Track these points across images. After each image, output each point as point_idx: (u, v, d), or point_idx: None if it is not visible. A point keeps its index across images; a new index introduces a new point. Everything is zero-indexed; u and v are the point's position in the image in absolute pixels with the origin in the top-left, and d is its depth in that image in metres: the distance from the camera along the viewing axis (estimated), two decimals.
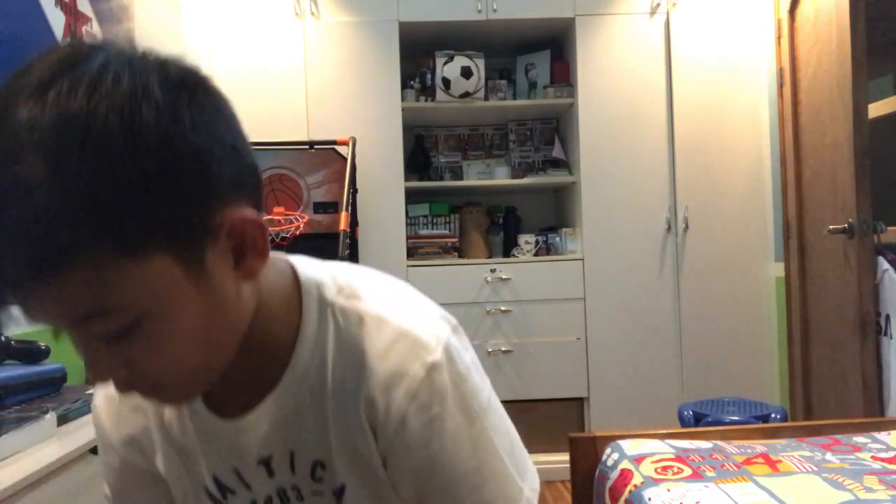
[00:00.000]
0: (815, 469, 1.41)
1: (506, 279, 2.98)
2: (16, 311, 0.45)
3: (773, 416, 2.34)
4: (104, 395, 0.67)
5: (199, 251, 0.48)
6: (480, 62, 3.07)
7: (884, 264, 2.14)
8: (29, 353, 1.38)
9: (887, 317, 2.13)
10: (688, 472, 1.44)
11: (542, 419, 3.02)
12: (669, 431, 1.72)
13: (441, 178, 3.36)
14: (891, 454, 1.52)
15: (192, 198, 0.46)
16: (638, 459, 1.52)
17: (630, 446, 1.60)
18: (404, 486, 0.60)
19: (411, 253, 3.03)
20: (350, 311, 0.60)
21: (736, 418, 2.32)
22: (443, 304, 0.66)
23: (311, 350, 0.59)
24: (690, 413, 2.41)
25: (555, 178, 3.20)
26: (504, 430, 0.63)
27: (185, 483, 0.67)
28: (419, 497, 0.60)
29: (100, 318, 0.45)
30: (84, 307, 0.44)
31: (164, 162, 0.43)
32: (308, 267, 0.63)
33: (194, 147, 0.45)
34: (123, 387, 0.50)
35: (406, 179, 3.03)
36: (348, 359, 0.59)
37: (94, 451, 1.21)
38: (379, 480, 0.61)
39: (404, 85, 3.05)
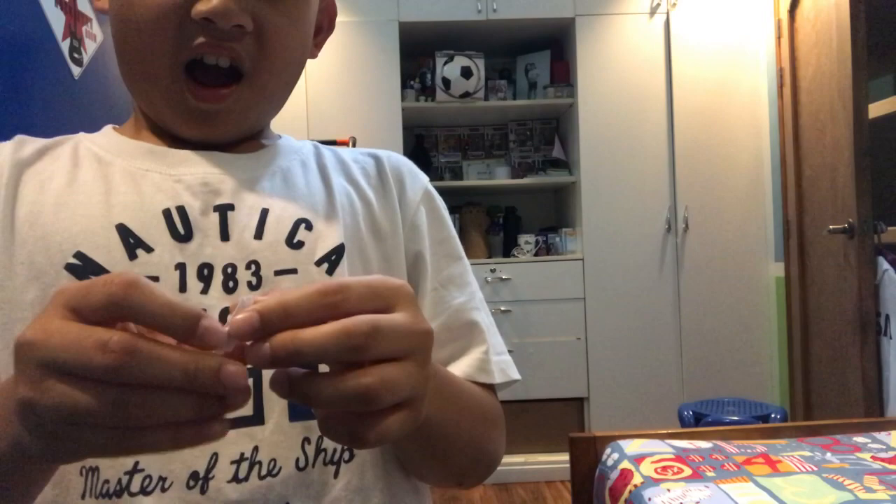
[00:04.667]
0: (815, 469, 1.41)
1: (506, 279, 2.98)
2: None
3: (773, 416, 2.34)
4: None
5: None
6: (480, 62, 3.07)
7: (884, 264, 2.14)
8: None
9: (887, 317, 2.13)
10: (688, 472, 1.44)
11: (542, 419, 3.02)
12: (669, 431, 1.72)
13: (441, 178, 3.36)
14: (891, 454, 1.52)
15: None
16: (638, 459, 1.52)
17: (630, 446, 1.60)
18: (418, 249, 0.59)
19: None
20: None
21: (736, 418, 2.32)
22: None
23: (299, 142, 0.62)
24: (690, 413, 2.41)
25: (555, 178, 3.20)
26: None
27: (33, 248, 0.48)
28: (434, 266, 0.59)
29: None
30: None
31: None
32: None
33: None
34: (232, 22, 0.47)
35: None
36: (346, 152, 0.62)
37: None
38: (381, 242, 0.57)
39: (404, 85, 3.05)
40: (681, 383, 3.01)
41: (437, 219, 0.61)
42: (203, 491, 0.43)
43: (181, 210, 0.49)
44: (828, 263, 2.44)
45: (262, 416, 0.44)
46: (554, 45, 3.29)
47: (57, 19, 1.78)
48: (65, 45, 1.83)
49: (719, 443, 1.63)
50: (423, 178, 0.63)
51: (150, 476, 0.43)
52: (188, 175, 0.51)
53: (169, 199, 0.50)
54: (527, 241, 3.15)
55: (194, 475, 0.43)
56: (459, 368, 0.57)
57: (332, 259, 0.51)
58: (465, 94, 3.06)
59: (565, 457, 1.74)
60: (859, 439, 1.65)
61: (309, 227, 0.52)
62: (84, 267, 0.46)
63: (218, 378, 0.30)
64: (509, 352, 0.60)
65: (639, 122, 3.05)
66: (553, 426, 3.00)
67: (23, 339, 0.30)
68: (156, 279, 0.46)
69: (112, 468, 0.43)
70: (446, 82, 3.03)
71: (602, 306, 3.02)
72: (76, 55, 1.89)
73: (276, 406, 0.45)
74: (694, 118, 3.03)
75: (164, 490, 0.43)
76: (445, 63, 3.04)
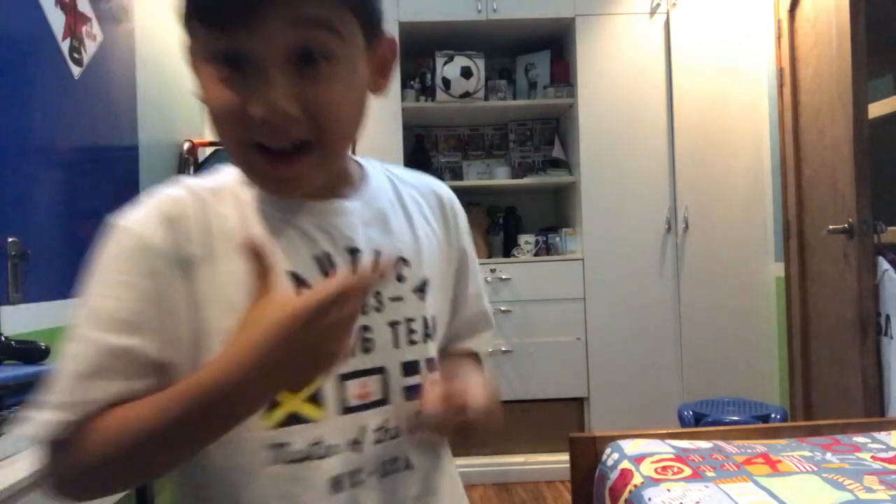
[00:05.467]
0: (815, 469, 1.41)
1: (506, 279, 2.98)
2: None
3: (773, 416, 2.34)
4: (156, 222, 0.60)
5: (374, 37, 0.62)
6: (480, 62, 3.07)
7: (884, 264, 2.14)
8: (29, 353, 1.38)
9: (887, 317, 2.13)
10: (688, 472, 1.44)
11: (542, 419, 3.02)
12: (669, 431, 1.72)
13: (441, 178, 3.34)
14: (891, 454, 1.52)
15: (378, 9, 0.63)
16: (638, 459, 1.52)
17: (630, 446, 1.60)
18: (455, 266, 0.77)
19: None
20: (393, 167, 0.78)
21: (736, 418, 2.32)
22: None
23: (379, 176, 0.73)
24: (690, 413, 2.41)
25: (555, 178, 3.20)
26: None
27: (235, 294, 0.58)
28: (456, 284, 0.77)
29: (323, 30, 0.56)
30: (322, 13, 0.55)
31: None
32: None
33: None
34: (283, 118, 0.55)
35: None
36: (411, 181, 0.76)
37: None
38: (447, 266, 0.75)
39: (404, 85, 3.05)
40: (681, 383, 3.01)
41: (470, 238, 0.80)
42: (359, 451, 0.63)
43: (327, 255, 0.63)
44: (828, 263, 2.44)
45: (388, 399, 0.64)
46: (554, 45, 3.29)
47: (57, 19, 1.78)
48: (65, 45, 1.83)
49: (719, 443, 1.63)
50: (462, 210, 0.80)
51: (327, 445, 0.61)
52: (319, 225, 0.64)
53: (314, 246, 0.63)
54: (527, 241, 3.15)
55: (353, 441, 0.62)
56: (474, 343, 0.81)
57: (423, 289, 0.69)
58: (465, 94, 3.06)
59: (565, 457, 1.74)
60: (859, 439, 1.65)
61: (406, 263, 0.68)
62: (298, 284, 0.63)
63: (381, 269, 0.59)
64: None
65: (639, 122, 3.04)
66: (553, 426, 2.99)
67: (333, 354, 0.53)
68: None
69: (300, 442, 0.60)
70: (446, 82, 3.03)
71: (602, 306, 3.02)
72: (76, 55, 1.89)
73: (396, 392, 0.65)
74: (694, 118, 3.03)
75: (335, 454, 0.61)
76: (445, 63, 3.04)
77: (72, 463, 0.55)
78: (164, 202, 0.61)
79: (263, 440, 0.59)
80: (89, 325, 0.56)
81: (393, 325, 0.66)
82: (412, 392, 0.65)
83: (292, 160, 0.58)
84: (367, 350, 0.64)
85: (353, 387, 0.63)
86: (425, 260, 0.70)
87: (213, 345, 0.57)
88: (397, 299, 0.66)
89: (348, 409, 0.62)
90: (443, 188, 0.80)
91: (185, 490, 0.63)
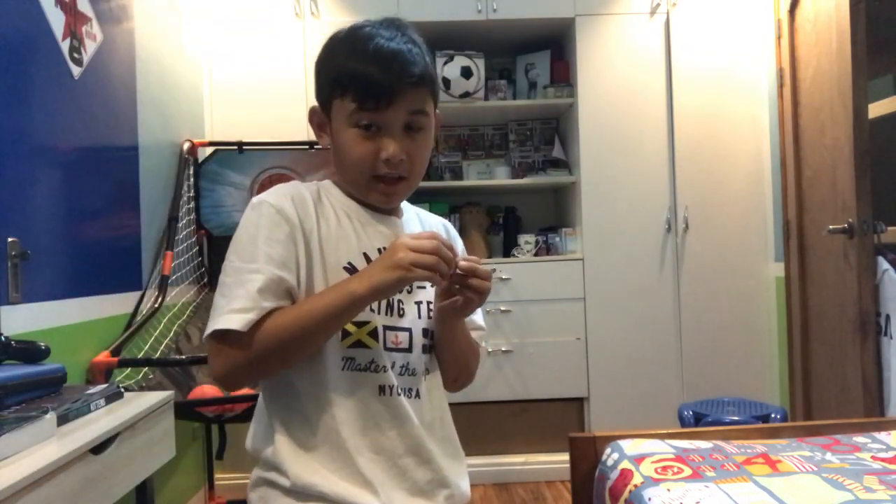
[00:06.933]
0: (815, 469, 1.41)
1: (506, 279, 2.98)
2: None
3: (773, 416, 2.34)
4: (288, 200, 0.94)
5: (434, 112, 0.99)
6: (480, 62, 3.07)
7: (884, 264, 2.14)
8: (29, 353, 1.38)
9: (887, 317, 2.13)
10: (688, 472, 1.44)
11: (542, 419, 3.02)
12: (669, 431, 1.72)
13: (441, 178, 3.36)
14: (891, 454, 1.52)
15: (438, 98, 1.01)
16: (638, 459, 1.52)
17: (630, 446, 1.60)
18: None
19: None
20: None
21: (736, 418, 2.32)
22: None
23: (409, 210, 1.10)
24: (690, 413, 2.41)
25: (555, 178, 3.20)
26: None
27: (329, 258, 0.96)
28: None
29: (420, 115, 0.95)
30: (421, 104, 0.94)
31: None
32: None
33: None
34: (399, 161, 0.93)
35: None
36: (427, 217, 1.14)
37: (94, 451, 1.21)
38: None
39: None
40: (681, 383, 3.01)
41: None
42: (394, 375, 0.94)
43: (382, 250, 0.96)
44: (828, 263, 2.44)
45: (411, 349, 0.97)
46: (554, 45, 3.29)
47: (57, 19, 1.78)
48: (65, 45, 1.83)
49: (719, 443, 1.63)
50: (459, 237, 1.18)
51: (377, 365, 0.93)
52: (381, 230, 1.00)
53: (378, 241, 0.98)
54: (527, 241, 3.15)
55: (390, 367, 0.94)
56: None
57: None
58: (465, 94, 3.06)
59: (565, 457, 1.73)
60: (859, 439, 1.65)
61: None
62: (351, 269, 0.94)
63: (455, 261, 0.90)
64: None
65: (639, 122, 3.05)
66: (553, 426, 3.00)
67: (403, 260, 0.84)
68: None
69: (361, 359, 0.92)
70: (446, 82, 3.03)
71: (602, 306, 3.02)
72: (76, 55, 1.89)
73: (416, 344, 0.97)
74: (694, 118, 3.03)
75: (382, 372, 0.93)
76: (445, 63, 3.04)
77: (245, 350, 0.84)
78: (293, 191, 0.95)
79: (341, 354, 0.92)
80: (262, 262, 0.87)
81: (418, 303, 0.99)
82: (426, 348, 0.99)
83: (397, 184, 0.96)
84: (401, 315, 0.96)
85: (391, 335, 0.95)
86: None
87: (315, 276, 0.92)
88: (422, 287, 1.00)
89: (388, 348, 0.94)
90: (447, 223, 1.17)
91: (282, 388, 0.92)
